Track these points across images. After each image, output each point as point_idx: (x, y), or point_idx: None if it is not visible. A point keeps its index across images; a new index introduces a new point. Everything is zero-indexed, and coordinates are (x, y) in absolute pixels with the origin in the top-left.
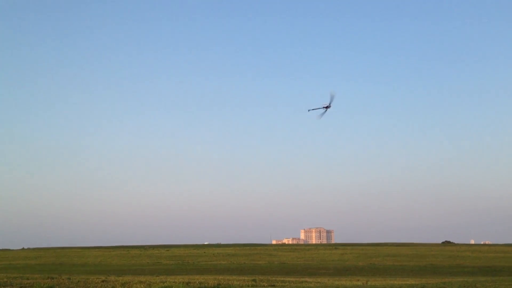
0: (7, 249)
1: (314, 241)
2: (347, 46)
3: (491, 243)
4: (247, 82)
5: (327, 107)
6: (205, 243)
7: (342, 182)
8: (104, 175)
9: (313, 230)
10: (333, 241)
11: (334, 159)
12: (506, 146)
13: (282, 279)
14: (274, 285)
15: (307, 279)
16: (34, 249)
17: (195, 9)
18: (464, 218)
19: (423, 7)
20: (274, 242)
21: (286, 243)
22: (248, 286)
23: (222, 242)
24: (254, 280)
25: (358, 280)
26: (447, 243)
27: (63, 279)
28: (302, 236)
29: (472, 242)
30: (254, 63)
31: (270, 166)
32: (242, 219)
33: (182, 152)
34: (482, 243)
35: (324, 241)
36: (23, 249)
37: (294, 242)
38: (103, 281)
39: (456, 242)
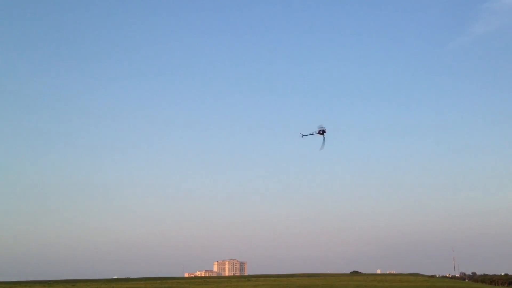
0: None
1: (227, 273)
2: None
3: (396, 272)
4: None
5: (322, 132)
6: (114, 277)
7: (254, 215)
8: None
9: (227, 262)
10: (246, 273)
11: (245, 193)
12: (405, 179)
13: None
14: None
15: None
16: None
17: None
18: (371, 249)
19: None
20: (186, 275)
21: (199, 275)
22: None
23: (132, 276)
24: None
25: None
26: (355, 273)
27: None
28: (215, 268)
29: (379, 271)
30: None
31: (181, 198)
32: (153, 252)
33: (87, 184)
34: (387, 272)
35: (238, 273)
36: None
37: (207, 275)
38: None
39: (363, 272)
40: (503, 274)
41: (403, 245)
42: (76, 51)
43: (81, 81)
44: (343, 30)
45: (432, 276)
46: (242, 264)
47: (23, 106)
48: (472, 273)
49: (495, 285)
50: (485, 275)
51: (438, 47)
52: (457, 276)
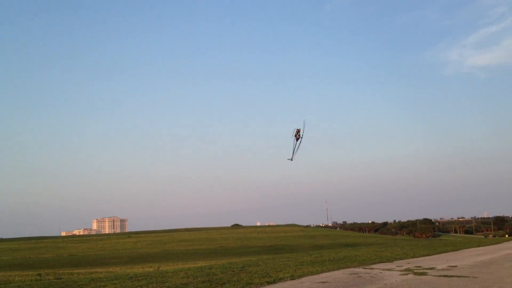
0: None
1: (107, 231)
2: None
3: (274, 224)
4: None
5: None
6: None
7: (134, 171)
8: None
9: (106, 220)
10: (127, 230)
11: (123, 146)
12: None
13: (70, 271)
14: (60, 278)
15: (98, 269)
16: None
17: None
18: (250, 203)
19: None
20: (63, 234)
21: (77, 234)
22: (32, 281)
23: (4, 237)
24: (39, 275)
25: (151, 267)
26: (236, 226)
27: None
28: (94, 226)
29: (258, 224)
30: None
31: (57, 152)
32: (26, 212)
33: None
34: (266, 224)
35: (118, 231)
36: None
37: (86, 233)
38: None
39: (244, 224)
40: (370, 222)
41: (280, 199)
42: None
43: None
44: None
45: (307, 226)
46: (122, 221)
47: None
48: (343, 222)
49: (363, 232)
50: (354, 223)
51: None
52: (330, 225)
